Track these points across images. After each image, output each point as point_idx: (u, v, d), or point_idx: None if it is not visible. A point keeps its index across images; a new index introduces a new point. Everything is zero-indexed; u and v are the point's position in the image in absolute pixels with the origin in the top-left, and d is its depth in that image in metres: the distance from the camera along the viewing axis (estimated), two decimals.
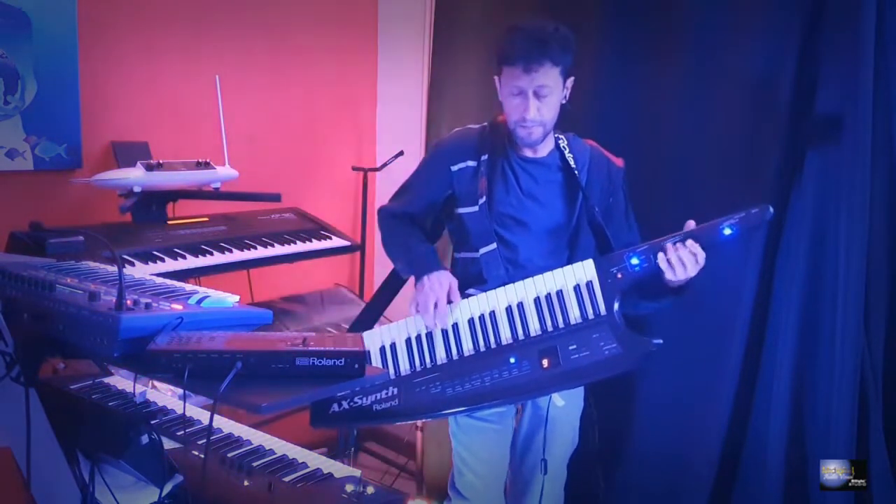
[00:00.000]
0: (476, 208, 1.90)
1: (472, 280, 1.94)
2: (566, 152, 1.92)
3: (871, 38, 1.99)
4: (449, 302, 1.85)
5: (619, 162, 1.98)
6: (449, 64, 2.98)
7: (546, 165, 1.93)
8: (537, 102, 1.81)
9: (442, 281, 1.86)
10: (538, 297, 1.84)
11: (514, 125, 1.86)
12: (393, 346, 1.90)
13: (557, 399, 1.95)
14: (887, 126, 2.06)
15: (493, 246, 1.90)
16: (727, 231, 1.74)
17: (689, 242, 1.75)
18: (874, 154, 2.04)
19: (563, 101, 1.87)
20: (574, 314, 1.82)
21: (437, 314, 1.83)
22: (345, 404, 1.85)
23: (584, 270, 1.84)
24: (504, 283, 1.88)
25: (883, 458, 2.10)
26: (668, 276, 1.77)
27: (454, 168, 1.94)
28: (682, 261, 1.74)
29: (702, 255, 1.75)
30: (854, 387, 2.06)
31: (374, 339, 1.91)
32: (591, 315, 1.81)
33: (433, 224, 2.08)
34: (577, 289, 1.83)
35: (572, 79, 1.87)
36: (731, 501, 2.30)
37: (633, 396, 2.46)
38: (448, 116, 2.99)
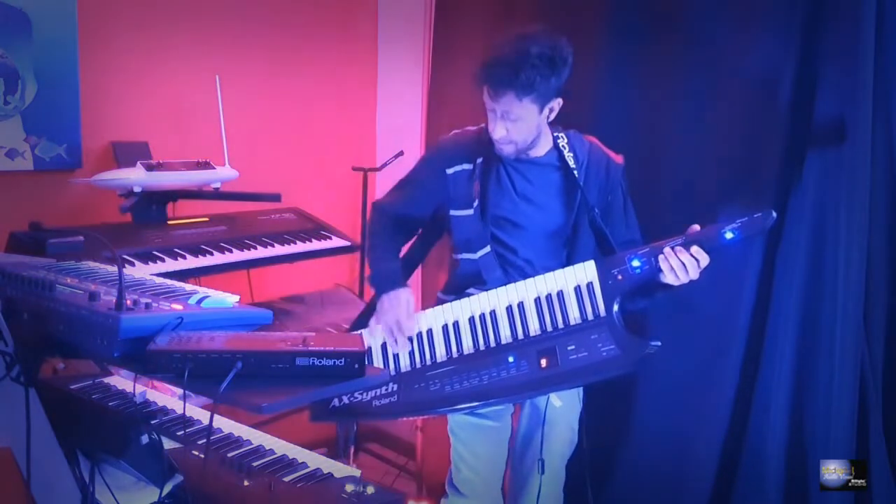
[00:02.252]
0: (471, 211, 1.91)
1: (471, 280, 1.94)
2: (565, 151, 1.91)
3: (871, 38, 1.99)
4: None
5: (618, 159, 1.97)
6: (449, 64, 2.98)
7: (542, 166, 1.93)
8: (505, 123, 1.81)
9: (400, 298, 1.87)
10: (538, 297, 1.84)
11: (490, 136, 1.87)
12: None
13: (555, 399, 1.95)
14: (887, 126, 2.06)
15: (488, 248, 1.90)
16: (729, 235, 1.73)
17: (694, 248, 1.74)
18: (874, 154, 2.04)
19: (548, 121, 1.86)
20: (573, 315, 1.82)
21: (399, 330, 1.85)
22: (345, 399, 1.86)
23: (585, 271, 1.84)
24: (503, 284, 1.88)
25: (883, 458, 2.10)
26: (670, 279, 1.76)
27: (450, 171, 1.95)
28: (685, 265, 1.74)
29: (705, 260, 1.74)
30: (854, 387, 2.06)
31: (374, 337, 1.92)
32: (590, 316, 1.81)
33: (432, 225, 2.09)
34: (577, 290, 1.83)
35: (558, 100, 1.83)
36: (731, 501, 2.29)
37: (633, 396, 2.45)
38: (448, 116, 2.99)
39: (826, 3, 2.07)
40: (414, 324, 1.87)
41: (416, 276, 2.68)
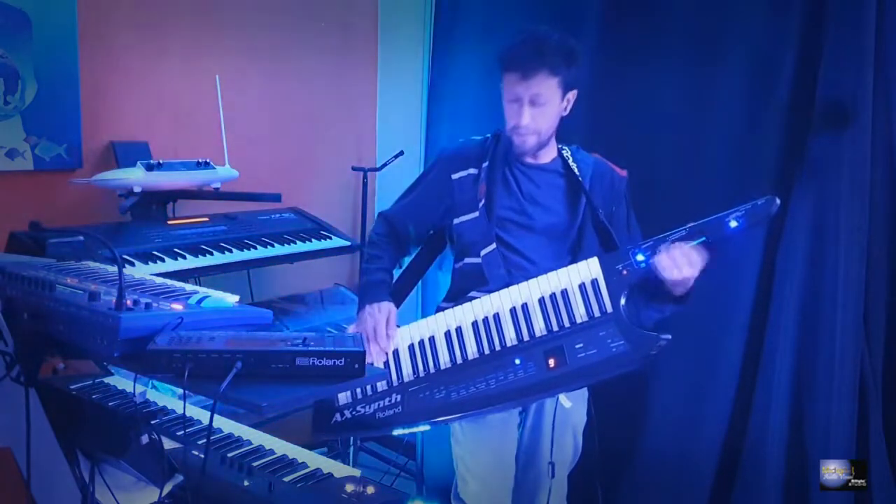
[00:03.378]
0: (476, 213, 1.91)
1: (473, 283, 1.93)
2: (569, 161, 1.93)
3: (870, 44, 1.99)
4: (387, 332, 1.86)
5: (622, 172, 1.99)
6: (449, 64, 2.98)
7: (548, 171, 1.95)
8: (532, 110, 1.82)
9: (381, 310, 1.87)
10: (542, 297, 1.83)
11: (510, 132, 1.88)
12: (396, 352, 1.88)
13: (565, 400, 1.94)
14: (887, 126, 2.06)
15: (493, 246, 1.89)
16: (733, 223, 1.72)
17: (687, 249, 1.72)
18: (874, 153, 2.04)
19: (564, 114, 1.88)
20: (580, 313, 1.80)
21: (375, 340, 1.83)
22: (347, 414, 1.84)
23: (589, 268, 1.82)
24: (506, 284, 1.87)
25: (883, 458, 2.10)
26: (666, 274, 1.74)
27: (455, 177, 1.95)
28: (676, 261, 1.72)
29: (695, 257, 1.72)
30: (854, 387, 2.06)
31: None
32: (597, 313, 1.79)
33: (436, 236, 2.09)
34: (582, 287, 1.81)
35: (574, 92, 1.87)
36: (731, 502, 2.30)
37: (632, 397, 2.45)
38: (448, 117, 2.99)
39: (826, 4, 2.07)
40: (390, 337, 1.85)
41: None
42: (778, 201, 1.72)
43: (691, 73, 2.33)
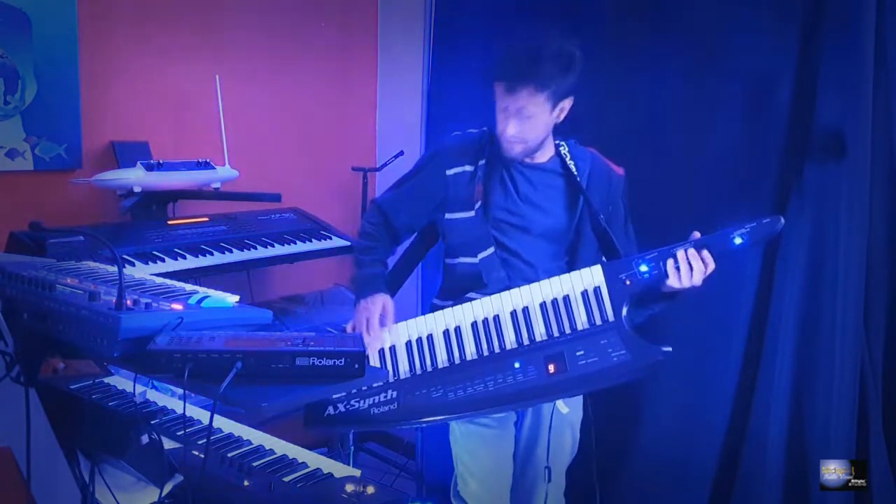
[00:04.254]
0: (472, 213, 1.89)
1: (470, 284, 1.92)
2: (567, 158, 1.91)
3: (870, 44, 1.99)
4: (383, 325, 1.86)
5: (619, 170, 1.97)
6: (449, 64, 2.98)
7: (546, 171, 1.92)
8: (517, 122, 1.80)
9: (376, 302, 1.86)
10: (544, 302, 1.82)
11: (499, 136, 1.86)
12: (392, 348, 1.88)
13: (562, 406, 1.94)
14: (887, 126, 2.06)
15: (492, 250, 1.88)
16: (738, 240, 1.73)
17: (705, 253, 1.73)
18: (874, 155, 2.04)
19: (557, 122, 1.86)
20: (581, 320, 1.79)
21: (368, 333, 1.83)
22: (341, 407, 1.83)
23: (592, 276, 1.81)
24: (505, 286, 1.87)
25: (883, 458, 2.10)
26: (673, 282, 1.75)
27: (450, 172, 1.93)
28: (692, 269, 1.73)
29: (712, 266, 1.74)
30: (854, 387, 2.06)
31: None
32: (598, 321, 1.78)
33: (426, 231, 2.08)
34: (584, 294, 1.81)
35: (570, 99, 1.83)
36: (731, 501, 2.29)
37: (632, 397, 2.45)
38: (448, 116, 2.99)
39: (825, 10, 2.07)
40: (384, 331, 1.85)
41: (416, 277, 2.68)
42: (782, 221, 1.73)
43: (692, 72, 2.33)
